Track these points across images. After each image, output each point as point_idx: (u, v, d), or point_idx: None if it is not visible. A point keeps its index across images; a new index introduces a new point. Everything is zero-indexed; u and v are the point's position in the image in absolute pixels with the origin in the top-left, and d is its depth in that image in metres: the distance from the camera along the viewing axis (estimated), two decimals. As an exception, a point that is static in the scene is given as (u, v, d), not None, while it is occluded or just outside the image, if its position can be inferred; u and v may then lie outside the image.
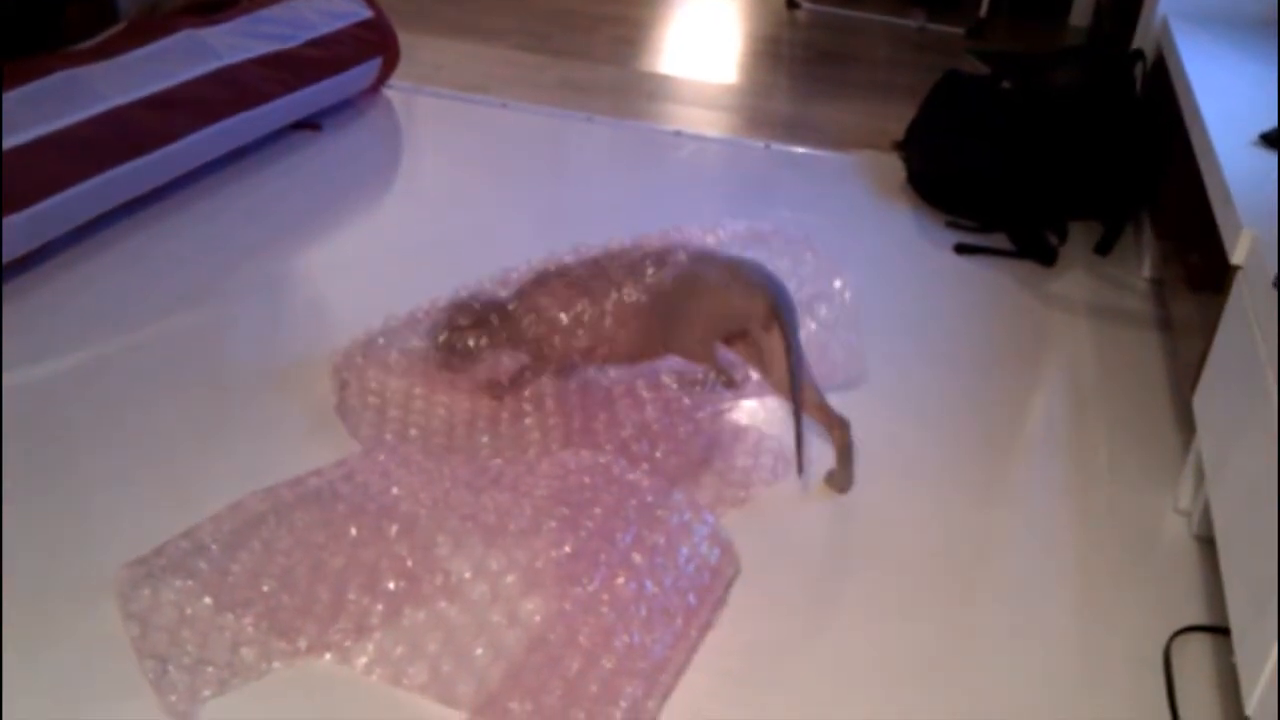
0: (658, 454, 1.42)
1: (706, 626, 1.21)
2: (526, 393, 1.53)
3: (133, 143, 1.84)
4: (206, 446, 1.43)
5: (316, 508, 1.29)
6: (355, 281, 1.75)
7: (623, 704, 1.09)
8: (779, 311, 1.39)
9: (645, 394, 1.53)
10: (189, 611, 1.17)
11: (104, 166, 1.78)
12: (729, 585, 1.27)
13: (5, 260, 1.67)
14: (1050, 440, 1.58)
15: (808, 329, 1.63)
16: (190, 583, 1.19)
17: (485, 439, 1.47)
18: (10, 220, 1.63)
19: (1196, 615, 1.29)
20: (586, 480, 1.35)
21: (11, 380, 1.51)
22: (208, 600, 1.18)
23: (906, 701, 1.16)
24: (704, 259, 1.45)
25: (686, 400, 1.51)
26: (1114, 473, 1.52)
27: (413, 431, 1.47)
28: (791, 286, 1.49)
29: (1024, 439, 1.58)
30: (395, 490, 1.32)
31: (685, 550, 1.26)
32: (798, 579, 1.30)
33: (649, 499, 1.32)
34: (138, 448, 1.41)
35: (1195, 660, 1.23)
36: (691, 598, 1.21)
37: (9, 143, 1.66)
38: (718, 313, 1.43)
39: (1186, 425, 1.53)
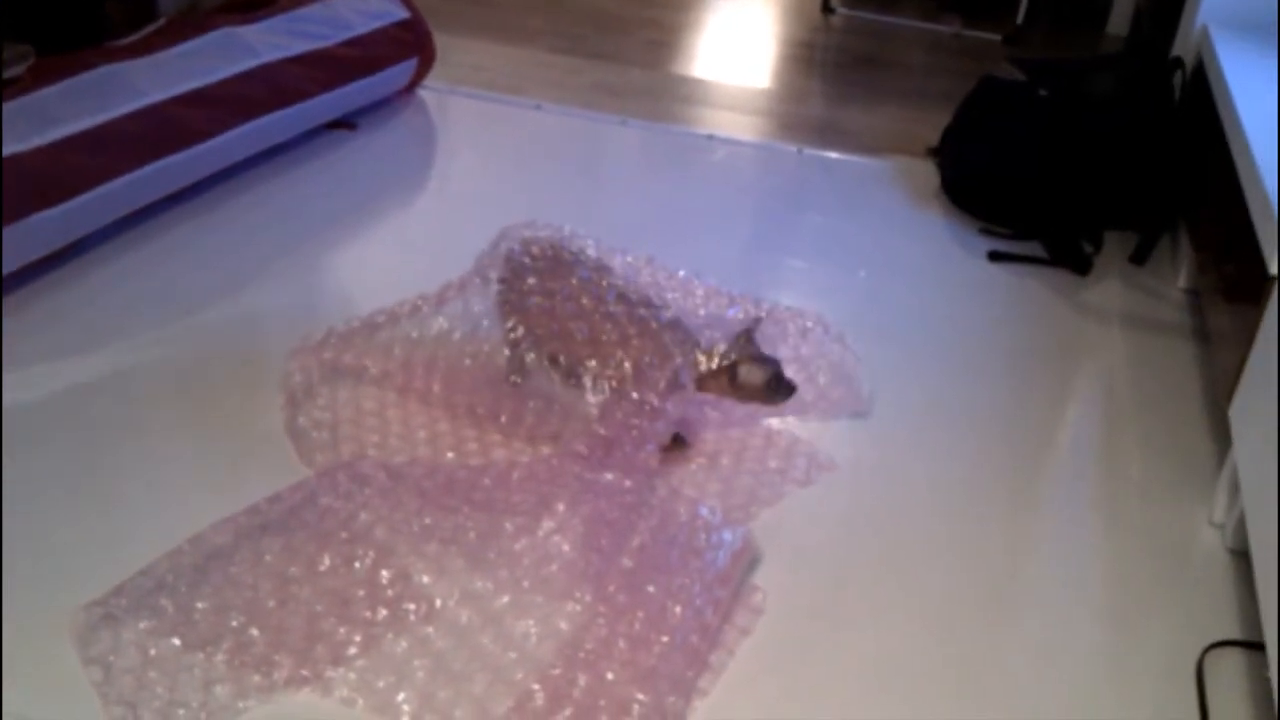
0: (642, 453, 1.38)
1: (719, 633, 1.20)
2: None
3: (170, 139, 1.85)
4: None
5: (281, 536, 1.25)
6: (387, 279, 1.75)
7: (636, 713, 1.07)
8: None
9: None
10: (154, 652, 1.11)
11: (141, 162, 1.80)
12: (740, 586, 1.26)
13: (42, 255, 1.68)
14: (1083, 451, 1.56)
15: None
16: (154, 622, 1.14)
17: (450, 455, 1.43)
18: (48, 214, 1.64)
19: (1230, 630, 1.27)
20: (562, 490, 1.32)
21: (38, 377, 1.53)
22: (175, 640, 1.12)
23: (934, 713, 1.15)
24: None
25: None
26: (1147, 484, 1.50)
27: (371, 451, 1.41)
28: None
29: (1056, 449, 1.57)
30: (364, 516, 1.28)
31: (677, 552, 1.25)
32: (825, 586, 1.30)
33: (628, 499, 1.30)
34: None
35: (1228, 675, 1.21)
36: (700, 602, 1.19)
37: (48, 137, 1.67)
38: None
39: (1222, 437, 1.51)
